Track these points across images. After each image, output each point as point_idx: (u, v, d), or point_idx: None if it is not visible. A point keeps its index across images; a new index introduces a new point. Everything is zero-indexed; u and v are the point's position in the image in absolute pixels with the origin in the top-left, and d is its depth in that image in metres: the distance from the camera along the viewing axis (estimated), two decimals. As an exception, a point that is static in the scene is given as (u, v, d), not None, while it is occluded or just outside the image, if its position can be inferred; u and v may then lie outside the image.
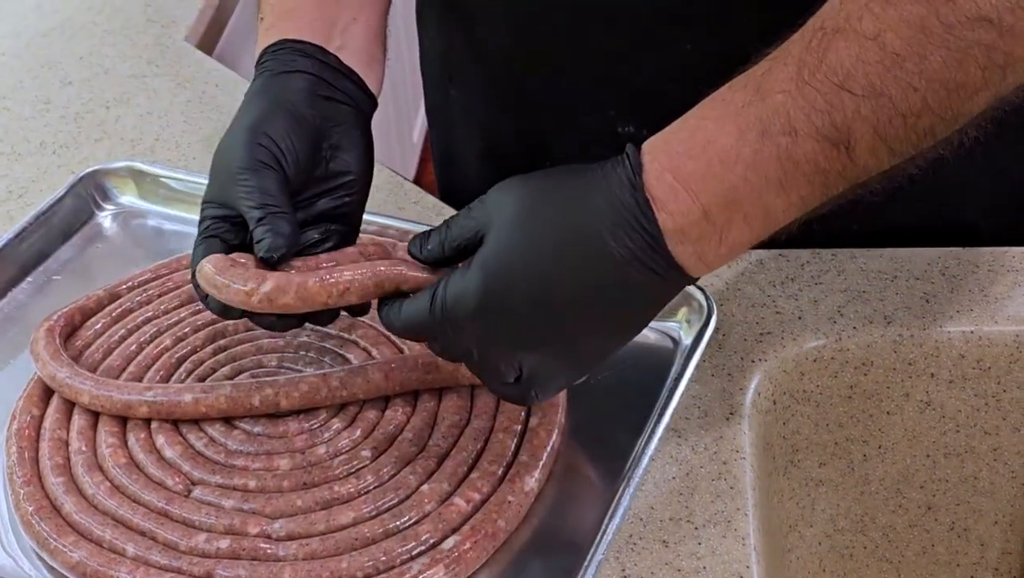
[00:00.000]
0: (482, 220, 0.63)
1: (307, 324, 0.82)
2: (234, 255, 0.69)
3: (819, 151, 0.58)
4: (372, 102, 0.78)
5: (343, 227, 0.75)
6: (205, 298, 0.71)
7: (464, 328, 0.63)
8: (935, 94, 0.57)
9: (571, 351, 0.64)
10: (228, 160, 0.72)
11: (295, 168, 0.72)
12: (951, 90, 0.57)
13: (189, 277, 0.86)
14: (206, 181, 0.94)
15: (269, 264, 0.68)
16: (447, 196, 1.00)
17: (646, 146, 0.62)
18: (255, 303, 0.66)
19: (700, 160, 0.60)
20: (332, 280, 0.66)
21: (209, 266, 0.68)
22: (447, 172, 1.06)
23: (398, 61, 2.23)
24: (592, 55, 0.84)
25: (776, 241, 0.86)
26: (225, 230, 0.72)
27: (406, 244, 0.68)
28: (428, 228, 0.67)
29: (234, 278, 0.67)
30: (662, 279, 0.61)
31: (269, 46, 0.77)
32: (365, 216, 0.90)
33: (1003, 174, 0.90)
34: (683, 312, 0.81)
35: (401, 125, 2.32)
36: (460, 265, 0.65)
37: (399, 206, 0.94)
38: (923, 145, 0.59)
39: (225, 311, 0.71)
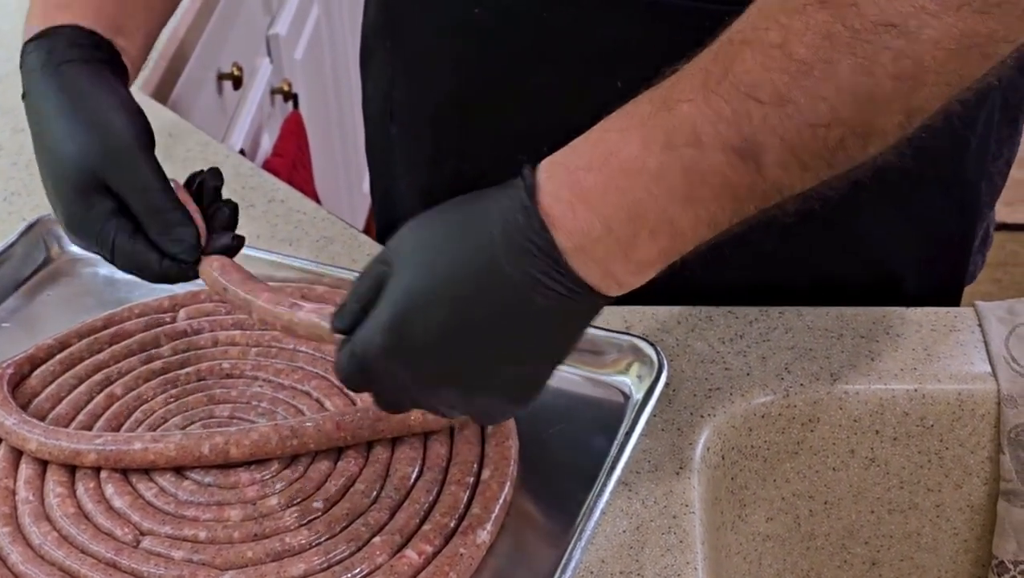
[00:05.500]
0: (385, 265, 0.62)
1: (259, 377, 0.82)
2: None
3: (726, 163, 0.56)
4: None
5: None
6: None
7: (380, 372, 0.62)
8: (844, 104, 0.56)
9: (493, 383, 0.62)
10: (103, 141, 0.72)
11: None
12: (861, 101, 0.56)
13: (140, 325, 0.86)
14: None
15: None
16: (384, 236, 1.00)
17: (544, 164, 0.60)
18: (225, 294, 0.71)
19: (601, 173, 0.58)
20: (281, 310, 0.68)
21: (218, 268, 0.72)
22: (386, 212, 1.07)
23: (348, 110, 2.24)
24: (529, 94, 0.85)
25: (723, 299, 0.89)
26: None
27: None
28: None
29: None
30: (571, 300, 0.60)
31: (58, 27, 0.76)
32: (321, 268, 0.90)
33: (927, 228, 0.92)
34: (635, 368, 0.82)
35: (350, 176, 2.32)
36: None
37: (353, 258, 0.95)
38: (836, 161, 0.58)
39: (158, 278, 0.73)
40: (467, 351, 0.61)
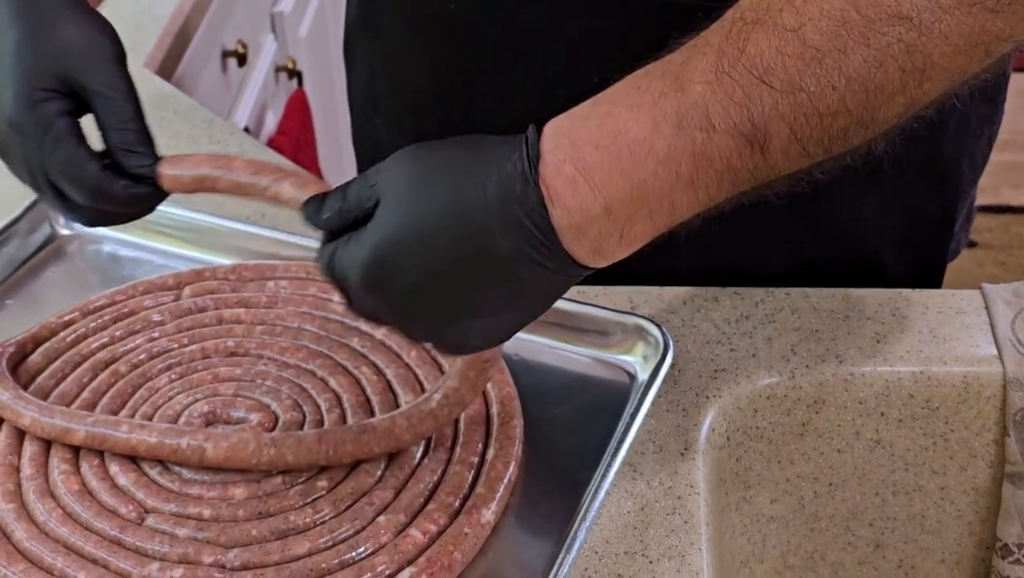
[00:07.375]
0: (377, 190, 0.61)
1: (264, 355, 0.82)
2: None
3: (733, 148, 0.56)
4: None
5: None
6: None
7: (356, 296, 0.62)
8: (853, 94, 0.56)
9: (464, 328, 0.62)
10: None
11: None
12: (870, 92, 0.56)
13: (145, 303, 0.86)
14: (163, 208, 0.95)
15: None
16: None
17: (549, 129, 0.59)
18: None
19: (608, 151, 0.57)
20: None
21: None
22: None
23: (342, 104, 2.23)
24: (505, 89, 0.86)
25: (703, 283, 0.88)
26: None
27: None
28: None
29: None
30: (552, 273, 0.59)
31: None
32: (306, 242, 0.90)
33: (907, 208, 0.92)
34: (640, 348, 0.82)
35: (343, 166, 2.31)
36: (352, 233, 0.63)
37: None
38: (834, 149, 0.58)
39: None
40: (443, 303, 0.61)
